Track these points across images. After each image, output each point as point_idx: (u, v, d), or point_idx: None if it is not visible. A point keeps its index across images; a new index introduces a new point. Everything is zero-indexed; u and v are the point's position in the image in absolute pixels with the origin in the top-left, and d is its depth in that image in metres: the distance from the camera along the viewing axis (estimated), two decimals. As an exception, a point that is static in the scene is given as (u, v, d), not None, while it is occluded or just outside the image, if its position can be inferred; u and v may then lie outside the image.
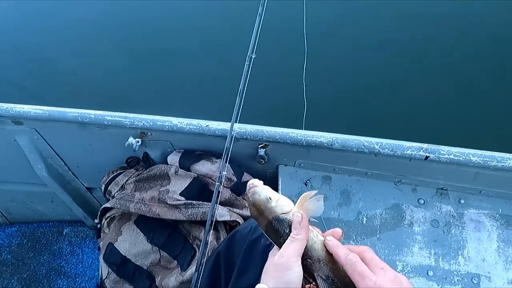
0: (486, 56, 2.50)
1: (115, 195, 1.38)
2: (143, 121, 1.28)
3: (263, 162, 1.31)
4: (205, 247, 0.91)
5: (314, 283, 0.64)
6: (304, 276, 0.62)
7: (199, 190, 1.30)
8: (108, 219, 1.39)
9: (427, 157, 1.17)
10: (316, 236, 0.66)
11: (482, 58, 2.49)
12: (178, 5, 3.02)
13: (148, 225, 1.33)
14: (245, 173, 1.37)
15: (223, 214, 1.23)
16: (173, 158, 1.36)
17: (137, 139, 1.32)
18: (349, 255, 0.61)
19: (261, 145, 1.28)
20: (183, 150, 1.38)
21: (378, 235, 1.23)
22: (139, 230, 1.34)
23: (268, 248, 0.91)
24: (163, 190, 1.29)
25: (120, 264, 1.33)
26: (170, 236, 1.31)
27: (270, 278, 0.61)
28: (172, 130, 1.27)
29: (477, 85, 2.42)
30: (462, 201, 1.26)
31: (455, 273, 1.17)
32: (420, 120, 2.36)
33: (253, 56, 1.06)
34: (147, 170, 1.38)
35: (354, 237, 1.23)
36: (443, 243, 1.21)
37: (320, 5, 2.63)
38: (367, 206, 1.27)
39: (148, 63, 2.80)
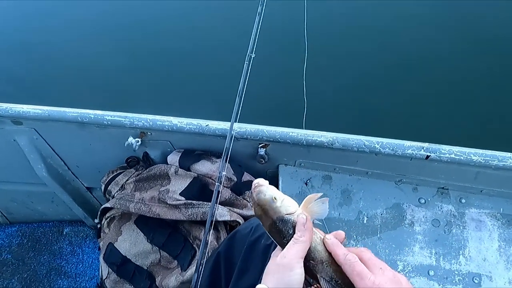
0: (486, 56, 2.50)
1: (115, 195, 1.38)
2: (142, 121, 1.27)
3: (263, 161, 1.31)
4: (205, 247, 0.91)
5: (316, 285, 0.64)
6: (305, 278, 0.62)
7: (199, 190, 1.29)
8: (108, 219, 1.39)
9: (428, 157, 1.17)
10: (319, 238, 0.66)
11: (483, 58, 2.49)
12: (178, 5, 3.01)
13: (148, 225, 1.33)
14: (245, 172, 1.36)
15: (223, 214, 1.22)
16: (173, 158, 1.35)
17: (137, 139, 1.32)
18: (347, 255, 0.61)
19: (261, 145, 1.27)
20: (183, 150, 1.38)
21: (378, 235, 1.22)
22: (139, 230, 1.34)
23: (268, 249, 0.91)
24: (163, 190, 1.29)
25: (120, 264, 1.33)
26: (170, 236, 1.31)
27: (272, 278, 0.61)
28: (172, 129, 1.27)
29: (478, 85, 2.42)
30: (463, 201, 1.26)
31: (456, 272, 1.16)
32: (420, 119, 2.36)
33: (252, 56, 1.06)
34: (147, 170, 1.37)
35: (354, 236, 1.23)
36: (444, 242, 1.20)
37: (321, 4, 2.62)
38: (367, 205, 1.27)
39: (148, 63, 2.80)
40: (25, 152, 1.48)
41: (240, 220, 1.24)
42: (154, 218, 1.27)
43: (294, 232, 0.63)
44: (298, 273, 0.60)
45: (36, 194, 1.75)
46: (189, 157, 1.34)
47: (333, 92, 2.47)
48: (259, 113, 2.22)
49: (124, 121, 1.28)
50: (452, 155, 1.15)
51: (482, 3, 2.67)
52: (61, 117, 1.30)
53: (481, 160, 1.15)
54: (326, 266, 0.62)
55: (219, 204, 1.24)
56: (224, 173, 0.97)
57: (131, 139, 1.31)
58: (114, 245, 1.35)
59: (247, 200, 1.31)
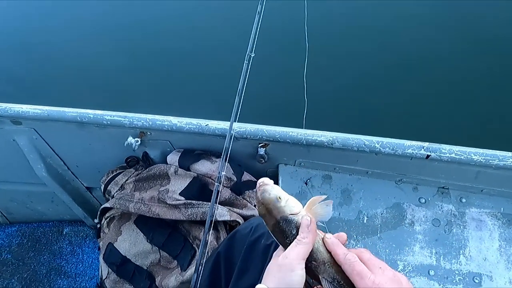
0: (486, 56, 2.49)
1: (115, 195, 1.38)
2: (142, 121, 1.27)
3: (263, 161, 1.31)
4: (205, 247, 0.90)
5: (318, 286, 0.64)
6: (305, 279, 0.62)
7: (199, 189, 1.29)
8: (108, 219, 1.39)
9: (428, 156, 1.16)
10: (321, 238, 0.66)
11: (483, 58, 2.49)
12: (178, 5, 3.01)
13: (148, 225, 1.33)
14: (245, 172, 1.36)
15: (223, 214, 1.22)
16: (173, 158, 1.35)
17: (136, 139, 1.31)
18: (347, 255, 0.61)
19: (261, 144, 1.27)
20: (182, 150, 1.37)
21: (379, 235, 1.22)
22: (139, 230, 1.34)
23: (268, 249, 0.91)
24: (163, 190, 1.28)
25: (120, 264, 1.33)
26: (170, 236, 1.30)
27: (272, 278, 0.61)
28: (172, 129, 1.26)
29: (478, 85, 2.42)
30: (464, 200, 1.25)
31: (457, 272, 1.16)
32: (420, 119, 2.36)
33: (252, 55, 1.05)
34: (147, 169, 1.37)
35: (355, 236, 1.23)
36: (444, 242, 1.20)
37: (321, 4, 2.62)
38: (367, 205, 1.26)
39: (147, 63, 2.79)
40: (25, 152, 1.47)
41: (240, 220, 1.24)
42: (154, 218, 1.27)
43: (297, 233, 0.63)
44: (299, 274, 0.60)
45: (36, 194, 1.75)
46: (189, 156, 1.34)
47: (333, 91, 2.47)
48: (259, 113, 2.22)
49: (124, 121, 1.28)
50: (453, 155, 1.15)
51: (482, 3, 2.67)
52: (60, 117, 1.30)
53: (481, 160, 1.14)
54: (328, 267, 0.62)
55: (219, 204, 1.24)
56: (223, 173, 0.97)
57: (130, 139, 1.31)
58: (114, 245, 1.34)
59: (247, 200, 1.31)
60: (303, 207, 0.67)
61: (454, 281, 1.15)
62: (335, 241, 0.64)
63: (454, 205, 1.25)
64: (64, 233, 1.90)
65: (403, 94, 2.43)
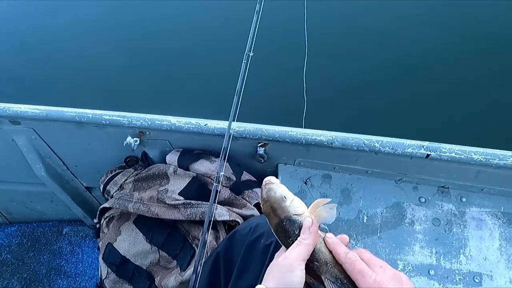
0: (486, 56, 2.49)
1: (114, 194, 1.37)
2: (141, 120, 1.27)
3: (263, 161, 1.31)
4: (204, 247, 0.90)
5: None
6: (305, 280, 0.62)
7: (198, 189, 1.29)
8: (107, 219, 1.39)
9: (428, 155, 1.16)
10: (323, 239, 0.66)
11: (483, 58, 2.48)
12: (177, 5, 3.01)
13: (147, 225, 1.32)
14: (244, 172, 1.36)
15: (222, 213, 1.22)
16: (172, 157, 1.35)
17: (135, 139, 1.31)
18: (348, 254, 0.61)
19: (260, 144, 1.27)
20: (181, 149, 1.37)
21: (378, 234, 1.22)
22: (138, 230, 1.33)
23: (268, 249, 0.91)
24: (162, 190, 1.28)
25: (120, 264, 1.32)
26: (169, 236, 1.30)
27: (272, 278, 0.61)
28: (171, 129, 1.26)
29: (478, 84, 2.41)
30: (464, 199, 1.25)
31: (457, 272, 1.16)
32: (420, 119, 2.35)
33: (250, 54, 1.05)
34: (146, 169, 1.37)
35: (354, 236, 1.22)
36: (444, 241, 1.20)
37: (321, 4, 2.61)
38: (367, 204, 1.26)
39: (147, 62, 2.79)
40: (24, 152, 1.47)
41: (239, 220, 1.24)
42: (153, 218, 1.27)
43: (299, 234, 0.64)
44: (298, 275, 0.60)
45: (35, 194, 1.75)
46: (188, 156, 1.34)
47: (332, 91, 2.47)
48: (259, 112, 2.21)
49: (122, 120, 1.27)
50: (453, 154, 1.15)
51: (482, 3, 2.66)
52: (59, 117, 1.29)
53: (481, 159, 1.14)
54: (331, 267, 0.62)
55: (218, 203, 1.23)
56: (222, 172, 0.97)
57: (129, 139, 1.30)
58: (113, 245, 1.34)
59: (246, 200, 1.30)
60: (308, 208, 0.67)
61: (454, 281, 1.15)
62: (336, 241, 0.64)
63: (454, 205, 1.24)
64: (64, 233, 1.90)
65: (403, 93, 2.43)
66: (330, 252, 0.64)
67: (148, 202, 1.28)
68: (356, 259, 0.61)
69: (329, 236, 0.65)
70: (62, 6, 3.13)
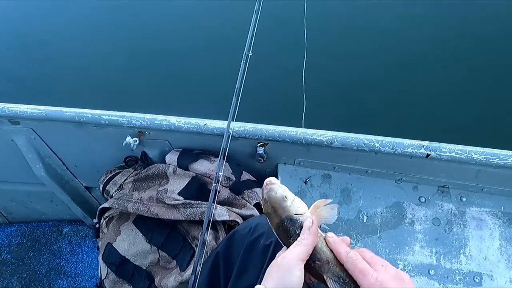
0: (487, 55, 2.48)
1: (113, 195, 1.37)
2: (140, 120, 1.27)
3: (262, 160, 1.30)
4: (203, 247, 0.90)
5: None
6: (304, 280, 0.62)
7: (198, 189, 1.29)
8: (107, 219, 1.39)
9: (428, 155, 1.16)
10: (324, 238, 0.66)
11: (483, 57, 2.48)
12: (176, 4, 3.00)
13: (147, 225, 1.32)
14: (244, 172, 1.35)
15: (221, 213, 1.22)
16: (171, 157, 1.35)
17: (134, 138, 1.31)
18: (349, 253, 0.62)
19: (260, 144, 1.27)
20: (181, 149, 1.37)
21: (378, 234, 1.22)
22: (137, 230, 1.33)
23: (267, 249, 0.91)
24: (161, 190, 1.28)
25: (119, 264, 1.32)
26: (169, 236, 1.30)
27: (271, 279, 0.62)
28: (170, 129, 1.26)
29: (478, 84, 2.41)
30: (464, 199, 1.25)
31: (457, 271, 1.16)
32: (420, 119, 2.35)
33: (249, 54, 1.05)
34: (145, 169, 1.37)
35: (354, 236, 1.22)
36: (444, 241, 1.19)
37: (320, 3, 2.61)
38: (367, 204, 1.26)
39: (146, 62, 2.79)
40: (23, 152, 1.47)
41: (239, 220, 1.23)
42: (153, 218, 1.26)
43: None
44: (297, 275, 0.60)
45: (35, 194, 1.75)
46: (188, 156, 1.34)
47: (332, 90, 2.46)
48: (258, 112, 2.21)
49: (122, 120, 1.27)
50: (453, 154, 1.14)
51: (482, 3, 2.66)
52: (58, 117, 1.29)
53: (482, 159, 1.14)
54: (332, 266, 0.62)
55: (217, 203, 1.23)
56: (221, 173, 0.96)
57: (129, 139, 1.30)
58: (113, 245, 1.34)
59: (246, 200, 1.30)
60: (308, 209, 0.67)
61: (454, 281, 1.14)
62: (337, 240, 0.64)
63: (454, 204, 1.24)
64: (64, 232, 1.90)
65: (403, 93, 2.43)
66: (332, 251, 0.64)
67: (147, 202, 1.28)
68: (358, 258, 0.61)
69: (330, 235, 0.65)
70: (62, 6, 3.13)
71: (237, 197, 1.30)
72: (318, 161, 1.29)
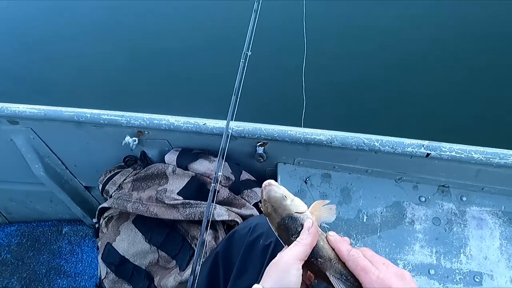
0: (487, 55, 2.48)
1: (113, 194, 1.37)
2: (139, 120, 1.26)
3: (262, 160, 1.30)
4: (202, 247, 0.90)
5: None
6: (302, 280, 0.61)
7: (197, 189, 1.28)
8: (106, 218, 1.38)
9: (428, 154, 1.15)
10: (325, 237, 0.66)
11: (483, 57, 2.47)
12: (175, 4, 3.00)
13: (146, 224, 1.32)
14: (243, 171, 1.35)
15: (221, 213, 1.21)
16: (171, 157, 1.34)
17: (134, 138, 1.31)
18: (351, 251, 0.62)
19: (259, 143, 1.26)
20: (180, 149, 1.37)
21: (378, 234, 1.21)
22: (137, 230, 1.33)
23: (267, 249, 0.91)
24: (161, 190, 1.28)
25: (119, 264, 1.32)
26: (168, 235, 1.30)
27: (269, 277, 0.61)
28: (169, 128, 1.26)
29: (478, 83, 2.40)
30: (464, 199, 1.24)
31: (457, 271, 1.15)
32: (420, 118, 2.34)
33: (248, 53, 1.04)
34: (145, 169, 1.36)
35: (354, 235, 1.22)
36: (444, 241, 1.19)
37: (320, 2, 2.60)
38: (367, 204, 1.25)
39: (145, 62, 2.79)
40: (22, 152, 1.47)
41: (239, 220, 1.23)
42: (152, 217, 1.26)
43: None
44: (294, 275, 0.60)
45: (35, 194, 1.75)
46: (187, 156, 1.33)
47: (332, 90, 2.46)
48: (258, 112, 2.21)
49: (121, 120, 1.27)
50: (453, 153, 1.14)
51: (482, 3, 2.65)
52: (57, 117, 1.29)
53: (482, 158, 1.13)
54: (335, 263, 0.63)
55: (217, 203, 1.23)
56: (220, 173, 0.96)
57: (128, 138, 1.30)
58: (112, 245, 1.34)
59: (245, 199, 1.30)
60: (308, 208, 0.68)
61: (454, 280, 1.14)
62: (338, 238, 0.65)
63: (454, 204, 1.24)
64: (63, 232, 1.90)
65: (402, 93, 2.42)
66: (333, 249, 0.64)
67: (147, 202, 1.27)
68: (359, 256, 0.61)
69: (332, 234, 0.65)
70: (62, 6, 3.13)
71: (237, 196, 1.30)
72: (318, 161, 1.28)
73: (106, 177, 1.40)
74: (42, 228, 1.91)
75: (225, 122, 1.20)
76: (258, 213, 1.28)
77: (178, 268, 1.26)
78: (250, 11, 1.12)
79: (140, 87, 2.72)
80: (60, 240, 1.88)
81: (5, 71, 2.86)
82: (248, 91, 1.11)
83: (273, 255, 0.67)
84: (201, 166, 1.31)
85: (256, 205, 1.30)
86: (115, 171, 1.42)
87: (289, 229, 0.65)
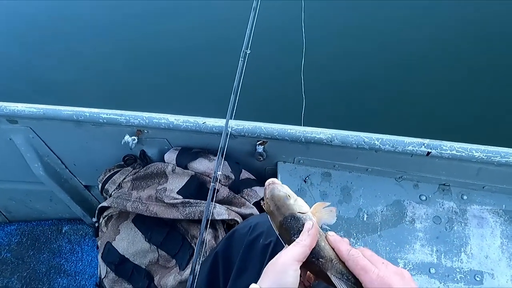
0: (487, 54, 2.47)
1: (112, 193, 1.37)
2: (138, 119, 1.26)
3: (262, 159, 1.30)
4: (202, 246, 0.89)
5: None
6: (301, 280, 0.62)
7: (197, 188, 1.28)
8: (106, 218, 1.38)
9: (428, 153, 1.15)
10: (326, 237, 0.67)
11: (483, 56, 2.47)
12: (174, 3, 2.99)
13: (146, 224, 1.32)
14: (243, 170, 1.35)
15: (221, 212, 1.21)
16: (170, 156, 1.34)
17: (133, 137, 1.30)
18: (351, 251, 0.62)
19: (259, 142, 1.26)
20: (180, 148, 1.36)
21: (379, 232, 1.21)
22: (137, 229, 1.32)
23: (267, 248, 0.90)
24: (160, 189, 1.27)
25: (119, 263, 1.32)
26: (168, 235, 1.29)
27: (267, 278, 0.61)
28: (169, 127, 1.25)
29: (478, 83, 2.40)
30: (465, 197, 1.24)
31: (458, 270, 1.15)
32: (420, 118, 2.34)
33: (247, 52, 1.04)
34: (144, 168, 1.36)
35: (354, 234, 1.21)
36: (445, 240, 1.19)
37: (319, 1, 2.60)
38: (367, 203, 1.25)
39: (144, 62, 2.79)
40: (22, 151, 1.47)
41: (238, 219, 1.23)
42: (152, 217, 1.26)
43: None
44: (291, 275, 0.59)
45: (34, 193, 1.74)
46: (186, 155, 1.33)
47: (331, 88, 2.45)
48: (257, 110, 2.21)
49: (120, 119, 1.26)
50: (454, 152, 1.14)
51: (482, 3, 2.64)
52: (56, 116, 1.29)
53: (483, 156, 1.13)
54: (336, 263, 0.63)
55: (217, 202, 1.23)
56: (219, 172, 0.96)
57: (127, 137, 1.29)
58: (112, 244, 1.33)
59: (245, 198, 1.30)
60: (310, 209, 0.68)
61: (455, 279, 1.14)
62: (338, 238, 0.65)
63: (455, 202, 1.23)
64: (63, 231, 1.90)
65: (402, 92, 2.42)
66: (333, 249, 0.65)
67: (146, 201, 1.27)
68: (359, 255, 0.61)
69: (331, 234, 0.65)
70: (62, 6, 3.12)
71: (237, 195, 1.29)
72: (318, 159, 1.28)
73: (106, 176, 1.40)
74: (42, 227, 1.91)
75: (224, 120, 1.20)
76: (258, 212, 1.27)
77: (178, 267, 1.26)
78: (249, 11, 1.11)
79: (140, 87, 2.72)
80: (60, 239, 1.88)
81: (5, 71, 2.86)
82: (248, 90, 1.11)
83: (273, 255, 0.66)
84: (201, 165, 1.30)
85: (256, 204, 1.29)
86: (115, 170, 1.42)
87: (291, 229, 0.65)
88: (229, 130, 1.17)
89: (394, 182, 1.27)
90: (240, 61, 1.06)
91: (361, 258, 0.61)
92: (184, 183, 1.27)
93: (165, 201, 1.24)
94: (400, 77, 2.47)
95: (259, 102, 2.34)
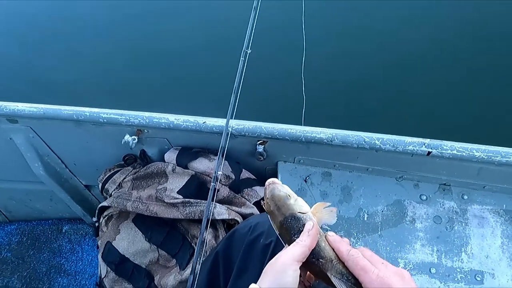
0: (487, 54, 2.47)
1: (112, 193, 1.37)
2: (139, 118, 1.26)
3: (262, 158, 1.30)
4: (202, 246, 0.89)
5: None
6: (301, 280, 0.61)
7: (197, 188, 1.28)
8: (106, 217, 1.38)
9: (429, 153, 1.15)
10: (325, 237, 0.66)
11: (483, 56, 2.47)
12: (174, 3, 2.99)
13: (146, 223, 1.31)
14: (243, 170, 1.35)
15: (221, 212, 1.21)
16: (170, 156, 1.34)
17: (133, 137, 1.30)
18: (350, 251, 0.62)
19: (259, 142, 1.26)
20: (180, 147, 1.36)
21: (379, 232, 1.21)
22: (137, 229, 1.32)
23: (267, 248, 0.90)
24: (161, 188, 1.27)
25: (119, 263, 1.32)
26: (168, 234, 1.29)
27: (267, 278, 0.61)
28: (169, 127, 1.25)
29: (478, 83, 2.40)
30: (466, 197, 1.24)
31: (458, 270, 1.15)
32: (420, 118, 2.34)
33: (248, 51, 1.04)
34: (144, 168, 1.36)
35: (355, 234, 1.21)
36: (446, 239, 1.18)
37: (319, 1, 2.60)
38: (368, 202, 1.25)
39: (145, 62, 2.79)
40: (22, 151, 1.46)
41: (239, 219, 1.23)
42: (152, 216, 1.26)
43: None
44: (291, 276, 0.59)
45: (34, 193, 1.74)
46: (187, 154, 1.33)
47: (332, 88, 2.46)
48: (258, 110, 2.21)
49: (120, 118, 1.26)
50: (454, 151, 1.14)
51: (481, 3, 2.64)
52: (56, 115, 1.28)
53: (483, 156, 1.13)
54: (336, 264, 0.63)
55: (217, 202, 1.23)
56: (220, 172, 0.96)
57: (127, 137, 1.29)
58: (112, 243, 1.33)
59: (245, 198, 1.29)
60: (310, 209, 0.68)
61: (455, 279, 1.14)
62: (338, 239, 0.65)
63: (455, 202, 1.23)
64: (64, 231, 1.90)
65: (402, 92, 2.42)
66: (333, 249, 0.64)
67: (146, 201, 1.27)
68: (358, 255, 0.61)
69: (331, 234, 0.65)
70: (62, 6, 3.12)
71: (237, 195, 1.29)
72: (318, 159, 1.28)
73: (106, 176, 1.40)
74: (42, 227, 1.91)
75: (225, 120, 1.20)
76: (258, 212, 1.27)
77: (178, 267, 1.26)
78: (249, 11, 1.11)
79: (140, 87, 2.72)
80: (60, 239, 1.88)
81: (5, 71, 2.86)
82: (248, 90, 1.11)
83: (273, 255, 0.66)
84: (201, 164, 1.30)
85: (256, 204, 1.29)
86: (115, 170, 1.41)
87: (291, 229, 0.65)
88: (230, 129, 1.17)
89: (395, 182, 1.27)
90: (240, 61, 1.06)
91: (361, 258, 0.61)
92: (184, 182, 1.27)
93: (165, 200, 1.24)
94: (399, 77, 2.47)
95: (260, 101, 2.34)
